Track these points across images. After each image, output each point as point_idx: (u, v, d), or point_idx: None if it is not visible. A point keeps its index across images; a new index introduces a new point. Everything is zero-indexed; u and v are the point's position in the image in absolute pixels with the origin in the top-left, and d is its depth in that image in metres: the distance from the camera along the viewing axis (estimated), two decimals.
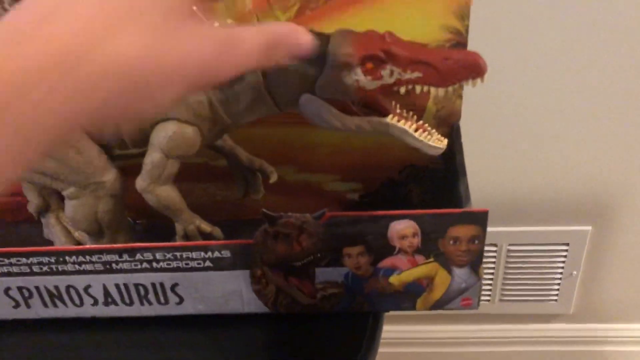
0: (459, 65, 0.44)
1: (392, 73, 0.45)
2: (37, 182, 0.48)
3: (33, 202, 0.60)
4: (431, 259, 0.50)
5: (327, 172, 0.64)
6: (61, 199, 0.62)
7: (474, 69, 0.44)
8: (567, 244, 0.96)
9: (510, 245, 0.96)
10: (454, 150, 0.57)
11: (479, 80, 0.45)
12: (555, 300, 1.04)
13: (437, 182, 0.63)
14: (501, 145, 0.79)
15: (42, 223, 0.62)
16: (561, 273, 1.00)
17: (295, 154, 0.62)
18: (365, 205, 0.65)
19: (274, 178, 0.57)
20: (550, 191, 0.88)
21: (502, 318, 1.07)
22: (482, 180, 0.83)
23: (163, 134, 0.47)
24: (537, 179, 0.86)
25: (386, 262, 0.50)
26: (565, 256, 0.98)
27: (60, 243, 0.60)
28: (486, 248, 0.79)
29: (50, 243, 0.63)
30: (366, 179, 0.64)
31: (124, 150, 0.49)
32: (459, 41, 0.54)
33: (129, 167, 0.50)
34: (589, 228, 0.93)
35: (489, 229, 0.49)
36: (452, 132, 0.58)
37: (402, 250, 0.49)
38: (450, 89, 0.46)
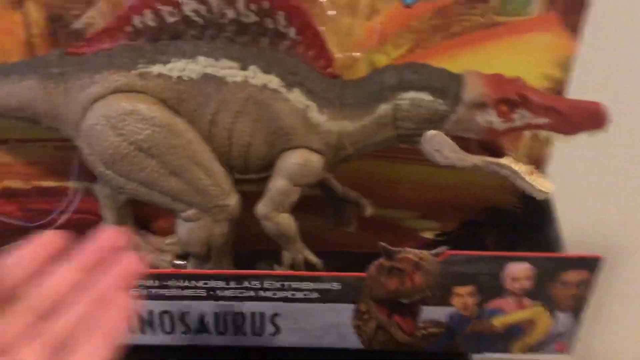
0: (587, 114, 0.46)
1: (522, 117, 0.46)
2: (156, 202, 0.46)
3: (109, 221, 0.58)
4: (538, 303, 0.50)
5: (407, 208, 0.64)
6: (137, 221, 0.60)
7: (600, 120, 0.46)
8: None
9: None
10: None
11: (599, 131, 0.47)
12: None
13: (516, 226, 0.63)
14: (584, 196, 0.79)
15: None
16: None
17: (377, 188, 0.62)
18: (439, 244, 0.65)
19: (369, 211, 0.56)
20: None
21: None
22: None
23: (293, 162, 0.46)
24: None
25: (493, 304, 0.50)
26: None
27: None
28: None
29: None
30: (445, 218, 0.64)
31: (244, 175, 0.48)
32: (558, 91, 0.56)
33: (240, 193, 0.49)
34: None
35: None
36: None
37: (511, 292, 0.49)
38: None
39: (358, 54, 0.52)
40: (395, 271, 0.48)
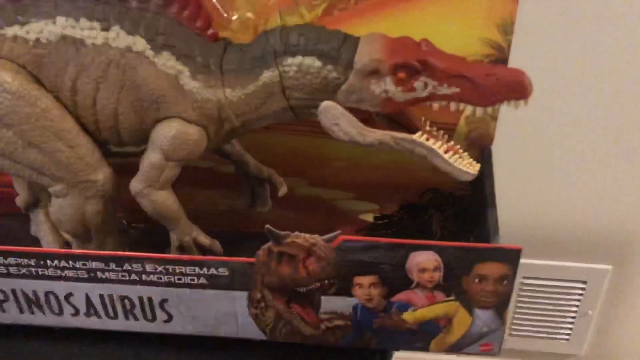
0: (503, 83, 0.39)
1: (426, 86, 0.40)
2: (23, 176, 0.43)
3: (21, 196, 0.55)
4: (452, 297, 0.44)
5: (341, 188, 0.59)
6: None
7: (519, 90, 0.39)
8: (585, 282, 0.91)
9: (524, 278, 0.90)
10: (484, 177, 0.52)
11: (522, 102, 0.40)
12: (567, 339, 0.98)
13: (461, 211, 0.57)
14: (528, 173, 0.74)
15: (30, 219, 0.58)
16: (576, 312, 0.94)
17: (308, 166, 0.57)
18: (379, 228, 0.60)
19: (283, 191, 0.51)
20: (573, 226, 0.83)
21: (509, 353, 1.01)
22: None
23: (165, 133, 0.42)
24: (560, 211, 0.81)
25: (401, 296, 0.45)
26: (581, 295, 0.92)
27: (47, 242, 0.56)
28: None
29: (37, 240, 0.58)
30: (383, 200, 0.59)
31: (121, 148, 0.44)
32: (500, 57, 0.49)
33: (126, 166, 0.45)
34: (609, 267, 0.87)
35: None
36: (483, 156, 0.53)
37: (420, 285, 0.44)
38: (489, 109, 0.41)
39: (250, 14, 0.46)
40: (286, 257, 0.43)
